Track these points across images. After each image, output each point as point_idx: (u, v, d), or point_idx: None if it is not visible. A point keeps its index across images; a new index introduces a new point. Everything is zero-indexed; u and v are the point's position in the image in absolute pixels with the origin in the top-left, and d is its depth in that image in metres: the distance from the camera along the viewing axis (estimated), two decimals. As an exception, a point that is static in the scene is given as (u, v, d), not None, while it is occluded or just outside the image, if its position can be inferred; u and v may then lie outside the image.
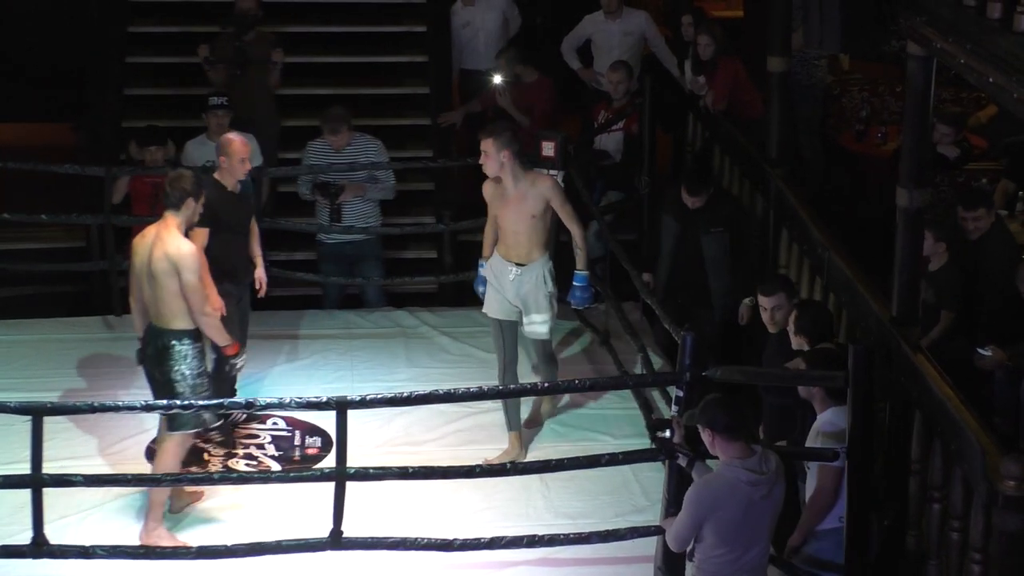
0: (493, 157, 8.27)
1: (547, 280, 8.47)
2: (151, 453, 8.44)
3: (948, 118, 10.49)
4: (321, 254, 10.63)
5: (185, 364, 7.61)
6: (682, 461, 6.68)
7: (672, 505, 6.80)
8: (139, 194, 10.23)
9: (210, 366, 7.96)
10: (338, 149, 10.29)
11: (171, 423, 7.64)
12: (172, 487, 7.73)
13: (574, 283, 8.58)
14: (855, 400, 6.69)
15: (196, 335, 7.65)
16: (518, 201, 8.36)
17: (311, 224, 10.58)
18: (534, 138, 9.93)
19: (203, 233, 8.11)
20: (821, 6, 11.05)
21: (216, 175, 8.57)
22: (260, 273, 8.94)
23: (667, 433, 6.81)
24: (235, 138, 8.62)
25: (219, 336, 7.73)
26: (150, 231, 7.63)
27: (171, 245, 7.49)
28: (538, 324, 8.52)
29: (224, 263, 8.35)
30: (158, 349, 7.60)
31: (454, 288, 11.05)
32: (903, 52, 7.69)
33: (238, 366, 8.05)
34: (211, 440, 8.65)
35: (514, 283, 8.43)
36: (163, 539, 7.53)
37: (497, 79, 11.26)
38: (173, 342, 7.58)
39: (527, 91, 11.22)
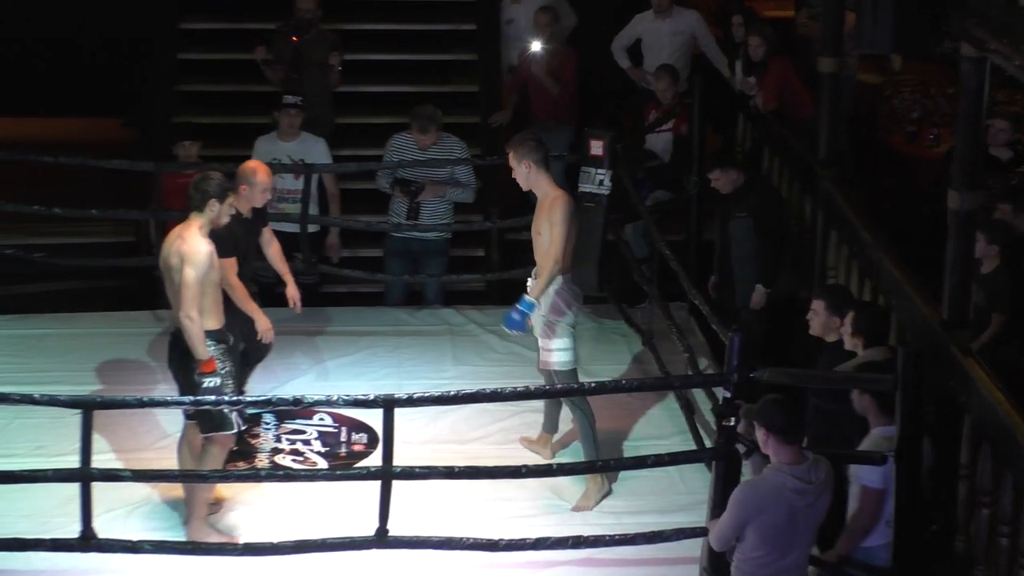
0: (517, 170, 8.03)
1: (541, 303, 8.05)
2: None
3: (1007, 115, 10.37)
4: (388, 249, 10.61)
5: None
6: (741, 449, 6.64)
7: (718, 507, 6.77)
8: (173, 191, 10.28)
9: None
10: (424, 148, 10.27)
11: (204, 426, 7.51)
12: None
13: (516, 305, 8.13)
14: (904, 403, 6.64)
15: (220, 335, 7.56)
16: (536, 214, 8.13)
17: (381, 222, 10.56)
18: (584, 134, 9.92)
19: (231, 263, 8.06)
20: (873, 6, 10.95)
21: (231, 200, 8.06)
22: (292, 291, 8.77)
23: (732, 421, 6.75)
24: (260, 167, 8.42)
25: (198, 346, 7.41)
26: (175, 230, 7.61)
27: (187, 243, 7.42)
28: (544, 353, 8.14)
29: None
30: (183, 351, 7.51)
31: (501, 286, 11.03)
32: (956, 53, 7.63)
33: (205, 383, 7.51)
34: (257, 436, 8.68)
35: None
36: (210, 535, 7.54)
37: (535, 46, 11.33)
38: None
39: (556, 59, 11.32)
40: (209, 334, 7.47)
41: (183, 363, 7.52)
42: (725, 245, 9.52)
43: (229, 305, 7.91)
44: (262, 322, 8.26)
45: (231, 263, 8.10)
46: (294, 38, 11.12)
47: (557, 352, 8.08)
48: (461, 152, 10.43)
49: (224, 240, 8.01)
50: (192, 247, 7.39)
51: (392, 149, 10.45)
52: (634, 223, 10.62)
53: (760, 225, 9.25)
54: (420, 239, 10.45)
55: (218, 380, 7.45)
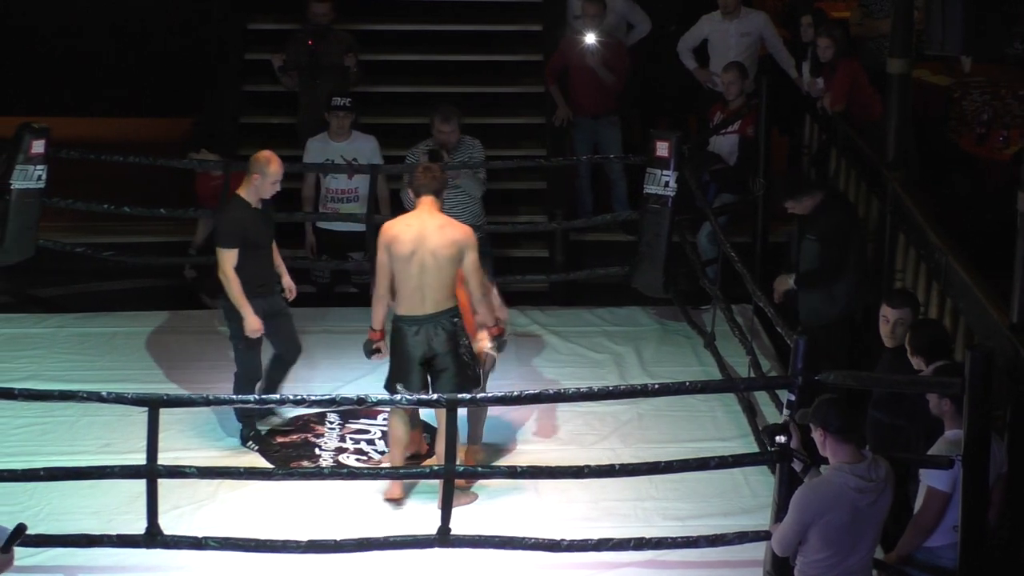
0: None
1: None
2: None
3: None
4: None
5: (465, 338, 7.90)
6: (797, 466, 6.62)
7: (782, 510, 6.73)
8: (203, 193, 10.37)
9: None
10: (447, 145, 10.21)
11: (466, 386, 7.83)
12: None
13: None
14: (972, 406, 6.58)
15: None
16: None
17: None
18: (649, 135, 9.92)
19: (232, 254, 8.18)
20: (942, 7, 10.87)
21: (242, 191, 8.34)
22: (287, 281, 8.79)
23: (783, 438, 6.73)
24: (274, 159, 8.41)
25: (489, 318, 8.04)
26: (418, 220, 7.85)
27: (458, 230, 7.85)
28: None
29: (257, 280, 8.37)
30: (448, 333, 7.81)
31: (565, 287, 11.05)
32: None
33: (488, 348, 8.13)
34: (321, 435, 8.73)
35: None
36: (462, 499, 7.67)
37: (590, 39, 11.30)
38: (456, 320, 7.85)
39: (609, 50, 11.34)
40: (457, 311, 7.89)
41: (448, 344, 7.84)
42: (798, 261, 9.43)
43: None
44: (251, 321, 8.28)
45: (232, 254, 8.19)
46: (309, 42, 11.16)
47: None
48: (480, 154, 10.31)
49: (229, 231, 8.17)
50: (468, 234, 7.88)
51: (413, 157, 10.27)
52: (704, 226, 10.59)
53: (825, 249, 9.12)
54: None
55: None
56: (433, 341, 7.87)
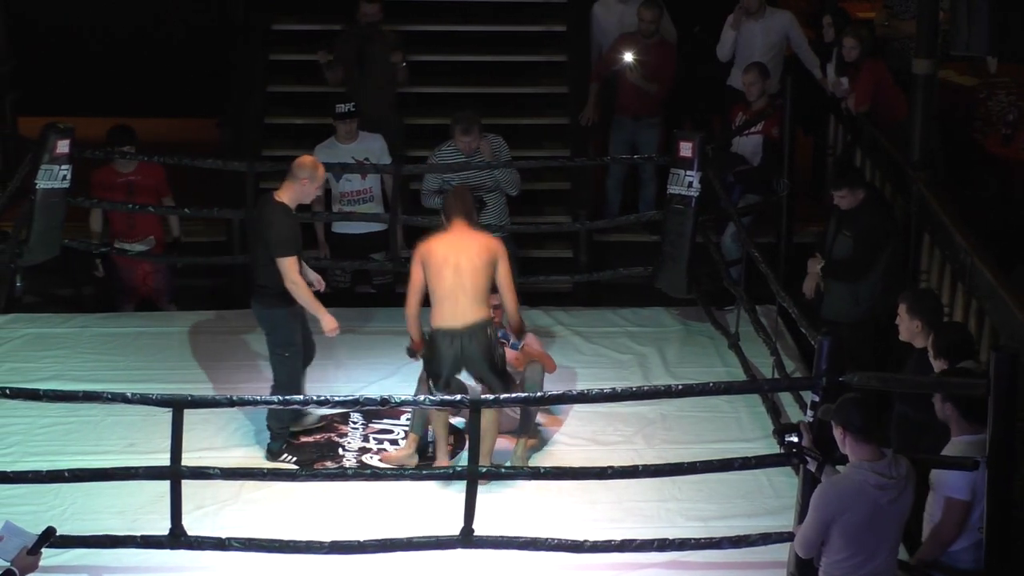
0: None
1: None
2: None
3: None
4: None
5: (500, 348, 8.17)
6: (811, 466, 6.61)
7: (805, 511, 6.71)
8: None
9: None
10: (469, 153, 10.17)
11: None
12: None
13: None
14: (997, 407, 6.54)
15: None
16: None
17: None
18: (673, 136, 9.90)
19: (295, 261, 8.20)
20: (968, 8, 10.85)
21: (283, 196, 8.32)
22: (314, 275, 8.74)
23: (795, 437, 6.72)
24: (319, 164, 8.47)
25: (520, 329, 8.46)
26: (451, 234, 8.08)
27: (491, 239, 8.17)
28: None
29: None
30: (482, 345, 7.95)
31: (588, 288, 11.05)
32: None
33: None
34: (344, 435, 8.74)
35: None
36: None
37: (627, 57, 11.27)
38: (490, 330, 8.03)
39: (655, 58, 11.31)
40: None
41: (485, 351, 7.99)
42: (830, 255, 9.40)
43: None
44: (328, 320, 8.32)
45: (295, 261, 8.20)
46: (358, 40, 11.18)
47: None
48: (505, 152, 10.28)
49: (287, 239, 8.17)
50: (498, 243, 8.15)
51: (438, 160, 10.19)
52: (728, 226, 10.57)
53: (859, 247, 9.10)
54: None
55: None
56: (468, 351, 7.96)
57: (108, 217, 10.57)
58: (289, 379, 8.40)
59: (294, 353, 8.40)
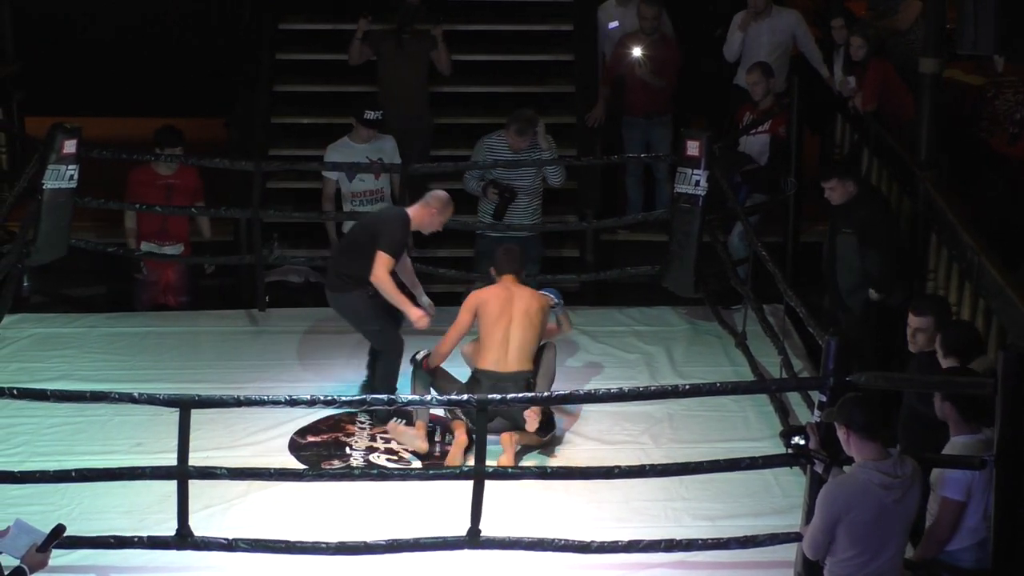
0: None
1: None
2: (295, 445, 8.57)
3: None
4: (481, 250, 10.55)
5: None
6: (818, 467, 6.60)
7: (812, 511, 6.71)
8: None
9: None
10: (516, 151, 10.25)
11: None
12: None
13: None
14: (1004, 406, 6.54)
15: None
16: None
17: (478, 221, 10.54)
18: (680, 135, 9.91)
19: (392, 262, 8.62)
20: (975, 7, 10.83)
21: (415, 213, 8.78)
22: (426, 299, 9.15)
23: (801, 440, 6.72)
24: (451, 205, 8.87)
25: None
26: (506, 288, 8.59)
27: (544, 297, 8.72)
28: None
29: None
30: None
31: (595, 287, 11.04)
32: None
33: None
34: (352, 435, 8.74)
35: None
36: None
37: (636, 52, 11.29)
38: (531, 382, 8.47)
39: (660, 54, 11.35)
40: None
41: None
42: (831, 258, 9.42)
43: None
44: (413, 311, 8.66)
45: (391, 262, 8.62)
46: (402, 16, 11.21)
47: None
48: (551, 153, 10.37)
49: (397, 241, 8.66)
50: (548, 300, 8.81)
51: (483, 149, 10.38)
52: (736, 225, 10.57)
53: (865, 241, 9.12)
54: (517, 239, 10.44)
55: None
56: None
57: (139, 218, 10.57)
58: (392, 347, 8.79)
59: (384, 325, 8.76)
